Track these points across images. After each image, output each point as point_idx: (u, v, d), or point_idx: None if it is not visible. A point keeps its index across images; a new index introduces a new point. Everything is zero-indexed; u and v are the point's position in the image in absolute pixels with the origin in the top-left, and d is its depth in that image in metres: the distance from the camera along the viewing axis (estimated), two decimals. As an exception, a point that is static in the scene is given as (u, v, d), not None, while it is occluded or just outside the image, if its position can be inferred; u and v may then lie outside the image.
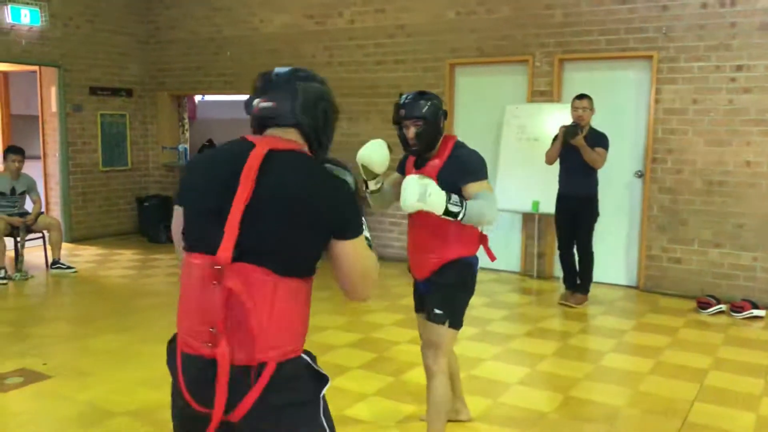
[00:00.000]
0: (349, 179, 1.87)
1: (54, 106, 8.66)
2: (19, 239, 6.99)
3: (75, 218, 8.86)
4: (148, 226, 9.10)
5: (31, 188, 7.15)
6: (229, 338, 1.65)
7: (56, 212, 8.72)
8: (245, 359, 1.65)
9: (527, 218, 7.06)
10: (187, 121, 9.97)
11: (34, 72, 8.70)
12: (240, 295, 1.64)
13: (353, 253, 1.75)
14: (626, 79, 6.55)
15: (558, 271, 6.69)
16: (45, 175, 8.86)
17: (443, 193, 2.69)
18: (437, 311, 3.00)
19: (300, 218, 1.67)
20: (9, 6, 7.87)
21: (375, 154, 2.96)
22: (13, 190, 6.98)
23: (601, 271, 6.60)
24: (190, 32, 9.14)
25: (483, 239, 3.17)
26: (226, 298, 1.65)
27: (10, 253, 7.03)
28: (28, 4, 8.07)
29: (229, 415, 1.66)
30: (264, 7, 8.50)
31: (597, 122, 6.52)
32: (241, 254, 1.65)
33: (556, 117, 6.62)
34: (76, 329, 5.34)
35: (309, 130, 1.83)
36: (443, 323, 2.98)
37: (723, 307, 5.82)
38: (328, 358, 4.57)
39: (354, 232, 1.75)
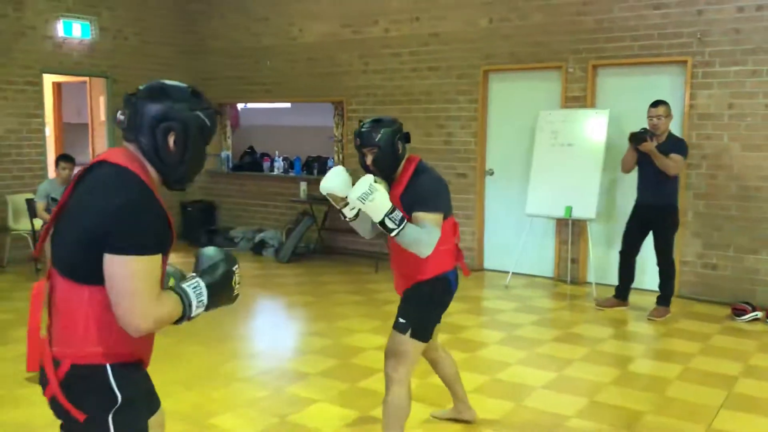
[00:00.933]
0: (224, 261, 1.97)
1: (102, 115, 9.03)
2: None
3: (122, 223, 9.19)
4: (190, 231, 9.39)
5: (80, 194, 7.48)
6: (51, 332, 1.89)
7: (105, 217, 9.08)
8: (55, 353, 1.85)
9: (561, 224, 7.08)
10: (229, 128, 10.24)
11: (85, 82, 9.09)
12: (49, 295, 1.87)
13: (112, 267, 1.72)
14: (660, 84, 6.53)
15: (592, 276, 6.70)
16: (94, 181, 9.23)
17: (388, 205, 2.79)
18: (401, 320, 3.09)
19: (83, 227, 1.76)
20: (62, 20, 8.26)
21: (332, 181, 3.01)
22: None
23: (636, 278, 6.61)
24: (232, 42, 9.41)
25: (459, 254, 3.23)
26: (50, 296, 1.88)
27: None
28: (79, 18, 8.45)
29: (45, 394, 1.90)
30: (303, 17, 8.71)
31: (631, 128, 6.53)
32: (52, 260, 1.85)
33: (590, 122, 6.65)
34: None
35: (148, 150, 1.86)
36: (404, 332, 3.05)
37: (759, 314, 5.75)
38: (357, 360, 4.71)
39: (118, 247, 1.71)
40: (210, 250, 2.03)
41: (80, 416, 1.83)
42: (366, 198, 2.78)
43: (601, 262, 6.87)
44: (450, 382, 3.65)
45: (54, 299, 1.85)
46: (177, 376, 4.41)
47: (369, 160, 3.08)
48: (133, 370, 1.91)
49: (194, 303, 1.85)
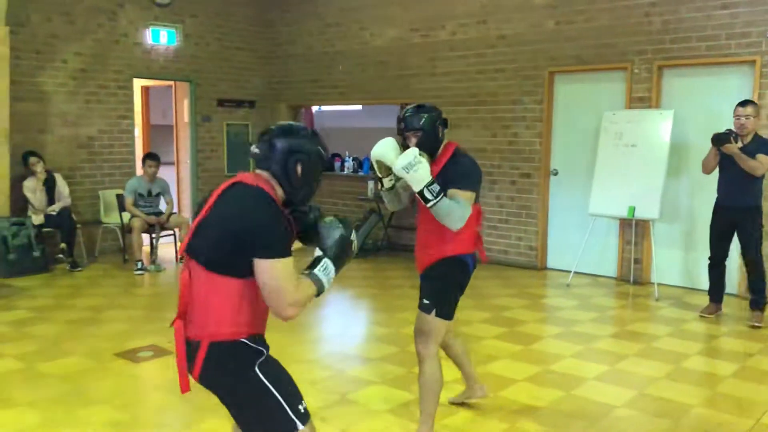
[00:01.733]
0: (342, 231, 2.36)
1: (186, 117, 9.62)
2: (154, 236, 7.90)
3: (202, 218, 9.75)
4: (266, 227, 9.85)
5: (165, 191, 8.03)
6: (185, 316, 2.23)
7: (187, 213, 9.66)
8: (195, 333, 2.22)
9: (624, 224, 7.11)
10: (303, 129, 10.67)
11: (170, 86, 9.70)
12: (186, 283, 2.22)
13: (264, 272, 2.13)
14: (727, 84, 6.48)
15: (655, 277, 6.70)
16: (178, 179, 9.85)
17: (429, 177, 3.01)
18: (425, 301, 3.30)
19: (228, 233, 2.15)
20: (150, 28, 8.87)
21: (383, 148, 3.21)
22: (149, 192, 7.87)
23: (693, 278, 6.60)
24: (307, 47, 9.83)
25: (479, 240, 3.40)
26: (183, 282, 2.24)
27: (147, 248, 7.96)
28: (165, 26, 9.05)
29: (193, 375, 2.25)
30: (374, 22, 9.03)
31: (696, 128, 6.52)
32: (190, 250, 2.24)
33: (655, 123, 6.66)
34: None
35: (280, 175, 2.29)
36: (429, 312, 3.27)
37: (828, 317, 5.64)
38: (414, 348, 4.95)
39: (264, 253, 2.12)
40: (328, 222, 2.40)
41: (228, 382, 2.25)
42: (410, 168, 3.00)
43: (665, 263, 6.86)
44: (460, 363, 3.79)
45: (187, 284, 2.23)
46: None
47: (412, 143, 3.29)
48: (259, 338, 2.32)
49: (325, 281, 2.28)
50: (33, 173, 7.50)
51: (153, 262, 7.76)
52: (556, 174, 7.68)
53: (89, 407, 3.86)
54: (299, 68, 9.95)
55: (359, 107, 10.66)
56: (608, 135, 6.98)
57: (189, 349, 2.22)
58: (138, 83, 9.89)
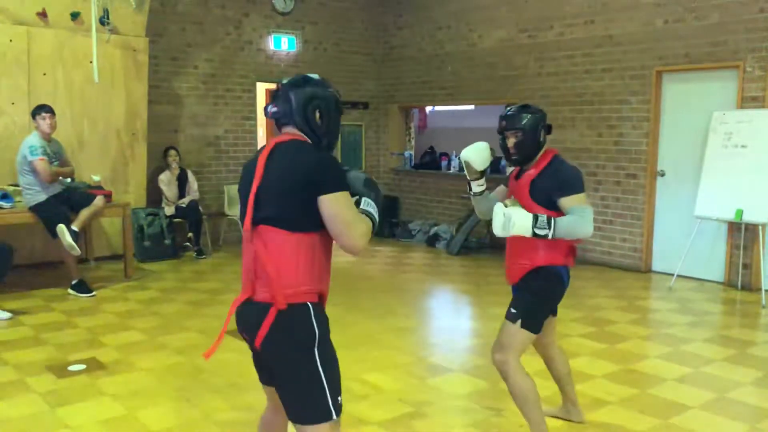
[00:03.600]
0: (366, 175, 2.46)
1: (304, 118, 10.22)
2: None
3: (317, 213, 10.34)
4: (375, 223, 10.28)
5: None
6: (257, 282, 2.30)
7: (302, 207, 10.27)
8: (265, 298, 2.28)
9: (733, 227, 6.87)
10: (413, 129, 11.03)
11: (291, 89, 10.34)
12: (260, 251, 2.27)
13: (333, 205, 2.21)
14: None
15: (765, 283, 6.43)
16: (296, 176, 10.48)
17: (529, 218, 2.96)
18: (512, 310, 3.19)
19: (291, 185, 2.25)
20: (273, 35, 9.54)
21: (475, 153, 3.28)
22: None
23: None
24: (418, 50, 10.16)
25: (573, 250, 3.26)
26: (255, 254, 2.29)
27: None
28: (287, 33, 9.69)
29: (256, 342, 2.30)
30: (481, 24, 9.20)
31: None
32: (259, 220, 2.28)
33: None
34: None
35: (303, 126, 2.37)
36: (515, 322, 3.15)
37: None
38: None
39: (330, 188, 2.22)
40: (353, 175, 2.48)
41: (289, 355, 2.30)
42: (508, 226, 2.98)
43: (776, 269, 6.58)
44: (561, 382, 3.65)
45: (260, 252, 2.26)
46: (340, 339, 5.15)
47: (511, 143, 3.23)
48: (323, 309, 2.40)
49: (374, 213, 2.41)
50: (169, 167, 8.35)
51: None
52: (662, 175, 7.53)
53: (198, 375, 4.38)
54: (410, 70, 10.30)
55: (472, 107, 10.84)
56: (717, 135, 6.78)
57: (256, 312, 2.29)
58: (263, 86, 10.65)
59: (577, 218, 3.00)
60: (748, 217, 6.38)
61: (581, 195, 3.10)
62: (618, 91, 7.73)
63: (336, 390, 2.37)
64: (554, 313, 3.46)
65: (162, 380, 4.32)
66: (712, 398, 4.13)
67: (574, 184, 3.10)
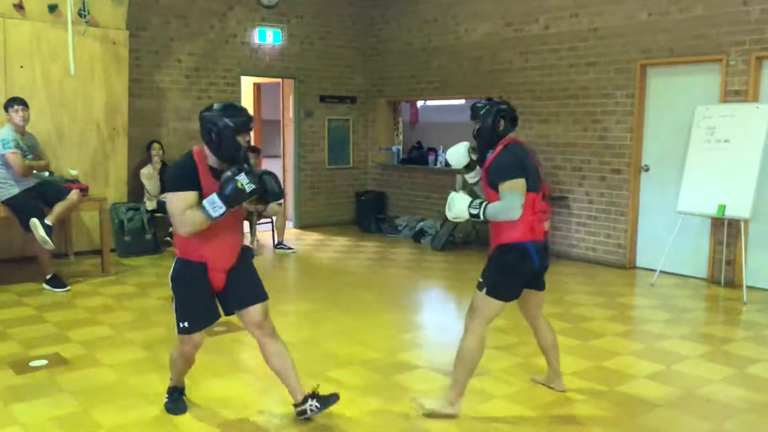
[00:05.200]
0: (228, 173, 3.16)
1: (291, 113, 10.16)
2: (253, 223, 8.45)
3: (304, 208, 10.29)
4: (362, 218, 10.23)
5: (264, 181, 8.54)
6: None
7: (289, 203, 10.22)
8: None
9: (716, 223, 6.79)
10: (401, 124, 10.95)
11: (279, 83, 10.28)
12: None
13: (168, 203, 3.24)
14: (832, 75, 6.03)
15: (747, 279, 6.36)
16: (283, 171, 10.42)
17: (466, 201, 3.48)
18: (480, 279, 3.60)
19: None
20: (257, 28, 9.46)
21: (450, 155, 3.75)
22: (249, 182, 8.42)
23: None
24: (405, 44, 10.07)
25: (535, 228, 3.55)
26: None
27: (246, 234, 8.52)
28: (272, 26, 9.61)
29: None
30: (468, 18, 9.11)
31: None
32: None
33: (751, 118, 6.32)
34: (279, 296, 6.44)
35: (205, 141, 3.27)
36: (480, 290, 3.56)
37: None
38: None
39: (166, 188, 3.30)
40: (225, 173, 3.19)
41: None
42: (449, 208, 3.56)
43: (758, 265, 6.49)
44: (546, 353, 3.99)
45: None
46: (311, 334, 5.10)
47: (475, 130, 3.66)
48: (188, 263, 3.38)
49: (210, 210, 3.14)
50: (151, 161, 8.28)
51: (251, 245, 8.31)
52: (647, 170, 7.44)
53: (162, 372, 4.31)
54: (398, 64, 10.21)
55: (462, 101, 10.75)
56: (700, 130, 6.69)
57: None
58: (251, 80, 10.58)
59: (502, 203, 3.38)
60: (730, 213, 6.30)
61: (511, 182, 3.40)
62: (603, 85, 7.65)
63: (181, 315, 3.40)
64: (539, 287, 3.78)
65: (123, 376, 4.26)
66: (681, 395, 4.05)
67: (506, 171, 3.43)
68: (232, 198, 3.13)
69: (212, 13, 9.11)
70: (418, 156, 10.26)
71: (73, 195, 6.45)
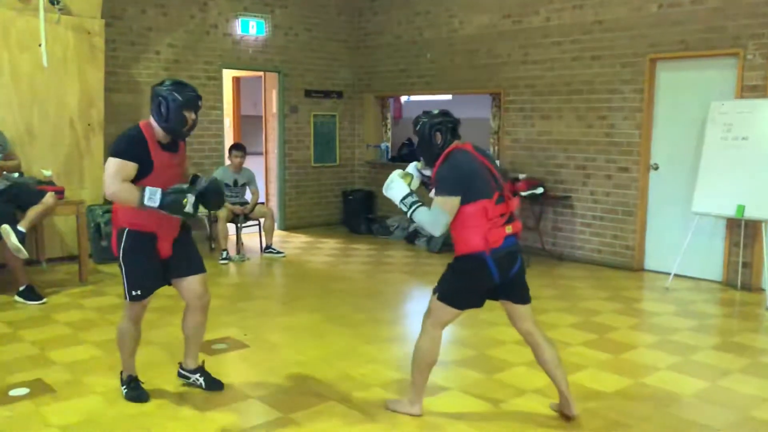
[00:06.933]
0: (188, 197, 3.44)
1: (274, 108, 9.65)
2: (239, 225, 7.95)
3: (289, 208, 9.80)
4: (350, 218, 9.79)
5: (250, 181, 8.06)
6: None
7: (274, 203, 9.72)
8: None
9: (732, 224, 6.52)
10: (390, 120, 10.53)
11: (260, 77, 9.76)
12: None
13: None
14: None
15: (766, 282, 6.11)
16: (266, 169, 9.91)
17: (403, 191, 3.44)
18: (436, 284, 3.57)
19: None
20: (240, 19, 8.93)
21: (393, 189, 3.54)
22: (235, 182, 7.93)
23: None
24: (395, 36, 9.64)
25: (489, 238, 3.36)
26: None
27: (232, 237, 8.02)
28: (255, 16, 9.09)
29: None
30: (463, 9, 8.72)
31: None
32: None
33: (769, 114, 6.06)
34: (276, 306, 6.01)
35: (153, 114, 3.52)
36: (434, 294, 3.56)
37: None
38: (494, 352, 4.68)
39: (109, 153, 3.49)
40: (179, 186, 3.47)
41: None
42: (386, 188, 3.51)
43: (778, 268, 6.25)
44: (549, 372, 3.62)
45: None
46: (320, 353, 4.66)
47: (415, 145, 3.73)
48: (135, 233, 3.54)
49: (146, 197, 3.35)
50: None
51: (237, 252, 7.82)
52: (656, 168, 7.15)
53: (160, 400, 3.83)
54: (387, 58, 9.78)
55: (449, 97, 10.38)
56: (716, 127, 6.41)
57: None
58: (229, 74, 10.03)
59: (429, 216, 3.35)
60: (750, 214, 6.03)
61: (442, 198, 3.32)
62: (609, 80, 7.33)
63: (134, 285, 3.58)
64: (517, 300, 3.57)
65: (118, 407, 3.77)
66: (737, 418, 3.72)
67: (440, 186, 3.37)
68: (169, 206, 3.39)
69: (192, 2, 8.56)
70: (409, 153, 9.86)
71: (49, 198, 5.89)
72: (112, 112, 7.73)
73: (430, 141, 3.47)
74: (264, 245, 8.04)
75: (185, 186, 3.48)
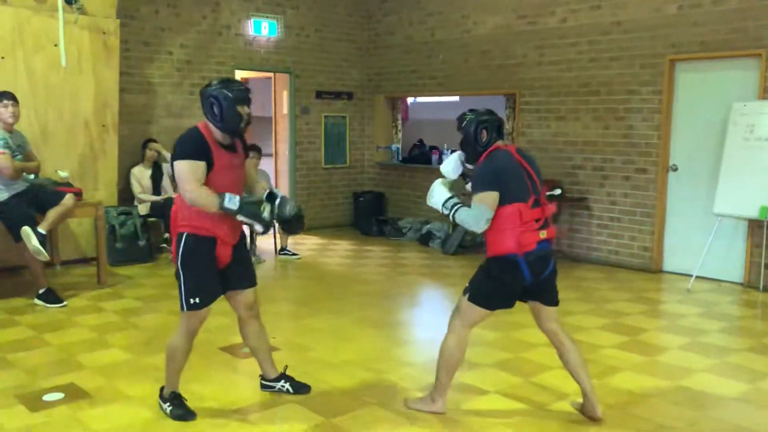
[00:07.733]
0: (265, 206, 3.41)
1: (285, 109, 9.59)
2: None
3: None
4: (361, 219, 9.73)
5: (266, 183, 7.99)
6: None
7: (284, 204, 9.63)
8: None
9: (753, 225, 6.51)
10: (400, 121, 10.48)
11: (269, 78, 9.69)
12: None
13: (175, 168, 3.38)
14: None
15: (789, 284, 6.11)
16: (276, 171, 9.84)
17: (444, 195, 3.51)
18: (467, 285, 3.59)
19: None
20: (252, 19, 8.87)
21: (444, 166, 3.69)
22: (250, 184, 7.85)
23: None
24: (406, 37, 9.60)
25: (523, 241, 3.38)
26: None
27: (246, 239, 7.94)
28: (267, 17, 9.03)
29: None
30: (477, 10, 8.68)
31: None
32: None
33: (793, 115, 6.05)
34: (299, 309, 5.94)
35: (208, 117, 3.43)
36: (465, 294, 3.56)
37: None
38: (529, 355, 4.64)
39: (175, 157, 3.39)
40: (259, 197, 3.53)
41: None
42: (429, 197, 3.59)
43: (801, 269, 6.24)
44: (572, 372, 3.62)
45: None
46: (353, 356, 4.60)
47: (459, 142, 3.63)
48: (196, 237, 3.43)
49: (226, 200, 3.30)
50: (145, 160, 7.65)
51: (252, 254, 7.75)
52: (675, 170, 7.14)
53: (200, 405, 3.76)
54: (398, 59, 9.74)
55: (456, 98, 10.35)
56: (738, 128, 6.40)
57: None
58: (241, 74, 9.94)
59: (471, 214, 3.37)
60: (773, 215, 6.02)
61: (482, 194, 3.35)
62: (627, 81, 7.31)
63: (192, 292, 3.43)
64: (546, 302, 3.59)
65: (157, 413, 3.69)
66: (783, 420, 3.70)
67: (479, 183, 3.40)
68: (247, 213, 3.36)
69: (204, 3, 8.49)
70: (420, 155, 9.81)
71: (68, 200, 5.81)
72: (125, 112, 7.65)
73: (475, 138, 3.49)
74: (279, 247, 7.97)
75: (262, 197, 3.49)
